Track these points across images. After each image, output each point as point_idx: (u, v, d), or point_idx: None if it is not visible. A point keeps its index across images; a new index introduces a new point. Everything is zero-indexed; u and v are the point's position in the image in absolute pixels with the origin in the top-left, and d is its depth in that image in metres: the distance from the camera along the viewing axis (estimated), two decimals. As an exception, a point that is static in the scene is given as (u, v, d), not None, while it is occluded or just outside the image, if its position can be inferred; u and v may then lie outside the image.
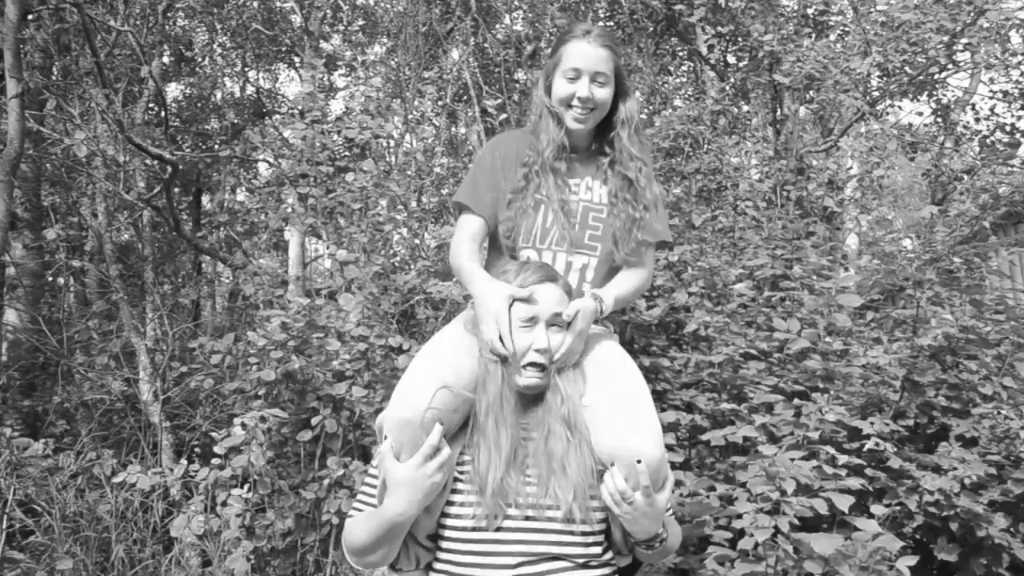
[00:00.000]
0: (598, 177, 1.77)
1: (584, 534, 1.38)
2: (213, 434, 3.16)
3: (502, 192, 1.73)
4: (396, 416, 1.37)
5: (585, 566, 1.39)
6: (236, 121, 11.88)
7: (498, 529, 1.36)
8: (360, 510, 1.47)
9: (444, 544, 1.41)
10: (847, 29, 7.37)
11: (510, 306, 1.46)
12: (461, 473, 1.42)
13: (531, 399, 1.47)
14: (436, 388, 1.38)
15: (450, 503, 1.40)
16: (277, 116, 12.85)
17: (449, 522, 1.39)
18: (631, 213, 1.70)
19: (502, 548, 1.36)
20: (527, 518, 1.37)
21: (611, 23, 10.52)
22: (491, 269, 1.66)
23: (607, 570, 1.43)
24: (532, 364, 1.43)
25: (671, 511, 1.54)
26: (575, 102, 1.69)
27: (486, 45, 8.81)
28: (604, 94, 1.70)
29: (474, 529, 1.37)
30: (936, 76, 7.48)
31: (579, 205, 1.73)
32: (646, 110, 9.32)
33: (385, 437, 1.38)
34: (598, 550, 1.41)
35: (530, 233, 1.69)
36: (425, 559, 1.45)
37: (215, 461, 3.15)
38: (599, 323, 1.68)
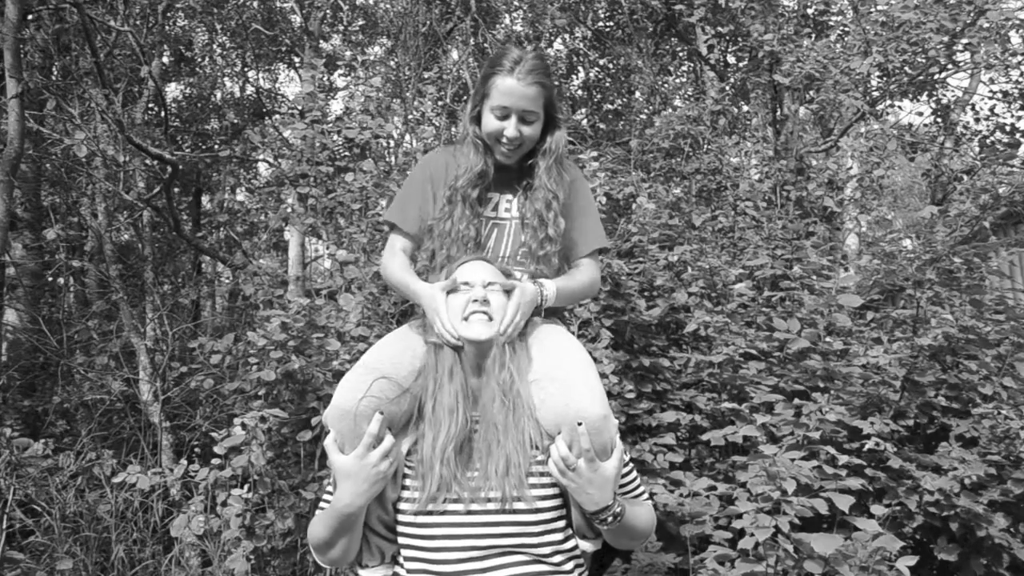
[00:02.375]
0: (520, 196, 1.81)
1: (527, 522, 1.37)
2: (213, 434, 3.16)
3: (427, 213, 1.77)
4: (334, 407, 1.41)
5: (540, 560, 1.38)
6: (236, 121, 11.88)
7: (444, 524, 1.36)
8: (323, 508, 1.47)
9: (399, 539, 1.42)
10: (847, 29, 7.37)
11: (447, 296, 1.52)
12: (410, 466, 1.43)
13: (479, 386, 1.48)
14: (373, 379, 1.41)
15: (402, 498, 1.41)
16: (277, 116, 12.85)
17: (400, 517, 1.41)
18: (530, 242, 1.72)
19: (447, 544, 1.36)
20: (470, 512, 1.37)
21: (611, 23, 10.53)
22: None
23: (571, 564, 1.42)
24: (473, 313, 1.46)
25: (644, 496, 1.54)
26: (503, 139, 1.70)
27: (486, 45, 8.81)
28: (532, 131, 1.71)
29: (416, 514, 1.37)
30: (936, 76, 7.48)
31: (511, 223, 1.77)
32: (646, 110, 9.32)
33: (327, 432, 1.41)
34: (558, 536, 1.40)
35: (456, 256, 1.70)
36: (389, 551, 1.46)
37: (215, 461, 3.14)
38: (546, 316, 1.69)
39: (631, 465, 1.54)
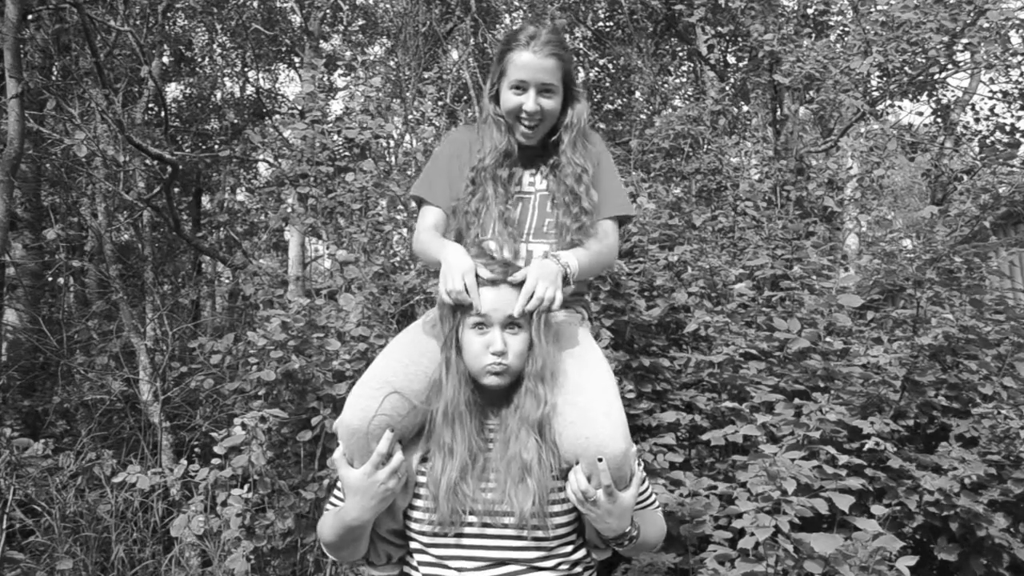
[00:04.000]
0: (544, 169, 1.76)
1: (543, 539, 1.36)
2: (213, 434, 3.16)
3: (455, 189, 1.72)
4: (345, 423, 1.37)
5: (550, 569, 1.38)
6: (236, 121, 11.89)
7: (457, 535, 1.36)
8: (335, 505, 1.47)
9: (410, 544, 1.43)
10: (847, 29, 7.38)
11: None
12: (423, 473, 1.41)
13: (497, 399, 1.45)
14: (385, 395, 1.37)
15: (413, 507, 1.40)
16: (277, 116, 12.85)
17: (412, 525, 1.40)
18: (563, 219, 1.66)
19: (461, 552, 1.36)
20: (485, 524, 1.36)
21: (611, 23, 10.53)
22: None
23: (579, 567, 1.42)
24: (491, 365, 1.39)
25: (656, 504, 1.53)
26: (523, 115, 1.66)
27: (486, 45, 8.81)
28: (552, 104, 1.67)
29: (433, 534, 1.37)
30: (936, 76, 7.48)
31: (536, 195, 1.72)
32: (646, 110, 9.32)
33: (336, 443, 1.39)
34: (568, 549, 1.40)
35: (484, 234, 1.67)
36: (397, 554, 1.45)
37: (215, 461, 3.15)
38: (571, 307, 1.65)
39: (645, 477, 1.50)
